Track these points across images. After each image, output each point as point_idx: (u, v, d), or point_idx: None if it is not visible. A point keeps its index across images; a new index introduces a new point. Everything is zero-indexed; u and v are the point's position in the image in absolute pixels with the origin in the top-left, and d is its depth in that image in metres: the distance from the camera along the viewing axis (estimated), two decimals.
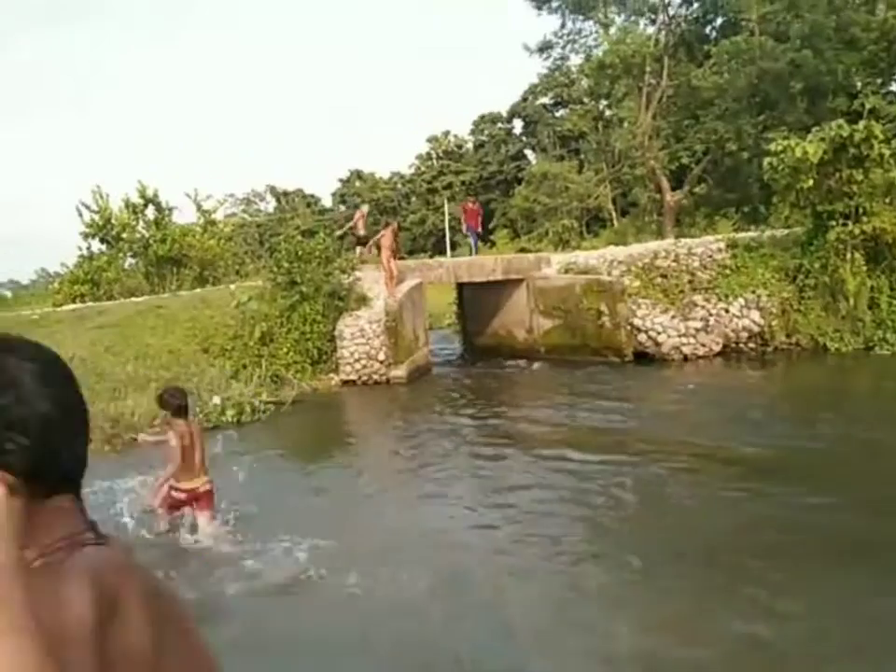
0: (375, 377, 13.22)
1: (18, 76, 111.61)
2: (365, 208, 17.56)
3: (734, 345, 13.63)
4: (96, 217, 21.64)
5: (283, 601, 4.80)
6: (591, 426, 8.90)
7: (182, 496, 5.82)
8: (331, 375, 13.39)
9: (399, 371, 13.19)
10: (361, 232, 16.44)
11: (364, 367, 13.25)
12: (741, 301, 13.68)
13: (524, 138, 60.39)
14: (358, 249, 16.18)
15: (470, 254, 18.54)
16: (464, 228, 19.29)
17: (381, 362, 13.23)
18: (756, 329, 13.55)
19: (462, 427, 9.44)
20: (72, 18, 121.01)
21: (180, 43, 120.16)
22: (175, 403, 5.78)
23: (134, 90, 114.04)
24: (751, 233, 15.81)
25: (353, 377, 13.22)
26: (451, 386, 13.65)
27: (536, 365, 14.57)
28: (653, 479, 6.71)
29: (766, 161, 13.88)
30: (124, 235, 21.47)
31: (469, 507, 6.40)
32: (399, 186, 66.58)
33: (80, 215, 21.70)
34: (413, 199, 62.29)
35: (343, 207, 68.51)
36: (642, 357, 13.60)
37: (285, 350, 13.20)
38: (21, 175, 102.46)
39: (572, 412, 9.78)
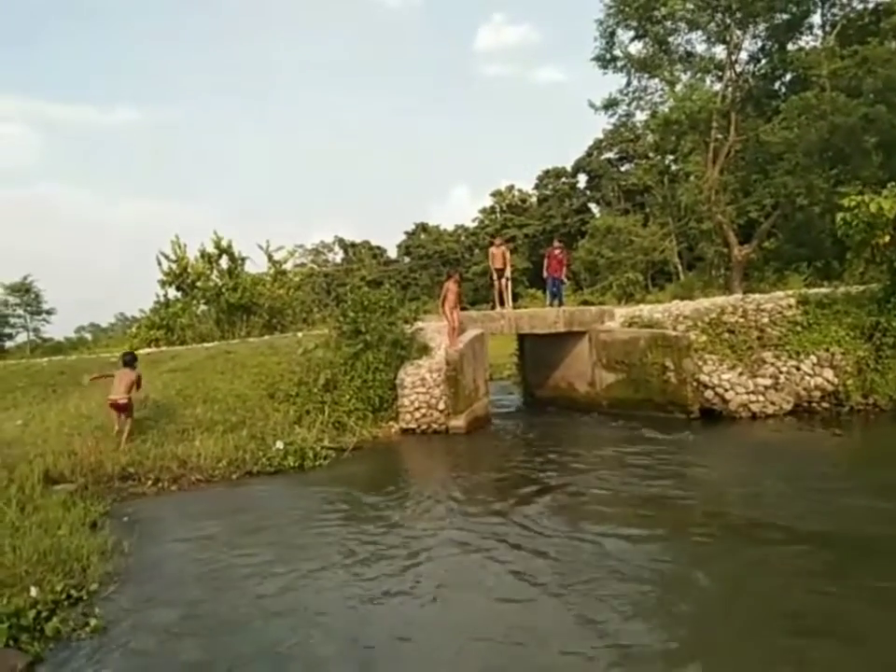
0: (434, 426, 13.24)
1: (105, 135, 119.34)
2: None
3: (805, 404, 13.09)
4: (174, 266, 22.71)
5: None
6: (650, 493, 8.32)
7: None
8: (391, 423, 13.48)
9: (459, 422, 13.19)
10: None
11: (424, 416, 13.30)
12: (813, 358, 13.20)
13: (588, 192, 60.80)
14: None
15: (550, 305, 17.44)
16: (545, 274, 17.69)
17: (440, 412, 13.26)
18: (830, 387, 13.01)
19: (513, 489, 8.98)
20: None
21: (252, 98, 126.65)
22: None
23: (216, 152, 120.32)
24: (824, 289, 15.32)
25: (412, 426, 13.27)
26: (509, 440, 13.52)
27: (598, 419, 14.30)
28: (720, 559, 6.30)
29: (840, 216, 13.54)
30: (199, 283, 22.43)
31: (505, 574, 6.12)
32: (463, 238, 67.60)
33: (160, 263, 22.84)
34: (477, 251, 63.04)
35: (407, 259, 69.94)
36: (709, 414, 13.21)
37: (347, 397, 13.39)
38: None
39: (632, 475, 9.30)
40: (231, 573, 6.42)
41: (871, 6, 23.18)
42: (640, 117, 28.00)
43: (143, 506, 9.12)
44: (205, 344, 18.13)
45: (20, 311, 53.15)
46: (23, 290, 52.17)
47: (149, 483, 10.02)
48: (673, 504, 7.91)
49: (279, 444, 11.14)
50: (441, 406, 13.26)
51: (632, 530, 6.96)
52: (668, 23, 24.53)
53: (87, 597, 5.79)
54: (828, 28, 23.90)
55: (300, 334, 17.03)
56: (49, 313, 54.15)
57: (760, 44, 24.97)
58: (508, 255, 17.48)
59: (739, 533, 6.75)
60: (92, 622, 5.32)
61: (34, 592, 5.47)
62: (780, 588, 5.45)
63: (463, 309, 16.27)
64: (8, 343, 51.38)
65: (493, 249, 17.43)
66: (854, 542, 6.28)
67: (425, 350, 14.37)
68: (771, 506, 7.56)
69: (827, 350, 13.22)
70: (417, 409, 13.32)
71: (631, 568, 5.96)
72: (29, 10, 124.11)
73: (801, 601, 5.21)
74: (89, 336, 58.90)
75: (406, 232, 71.64)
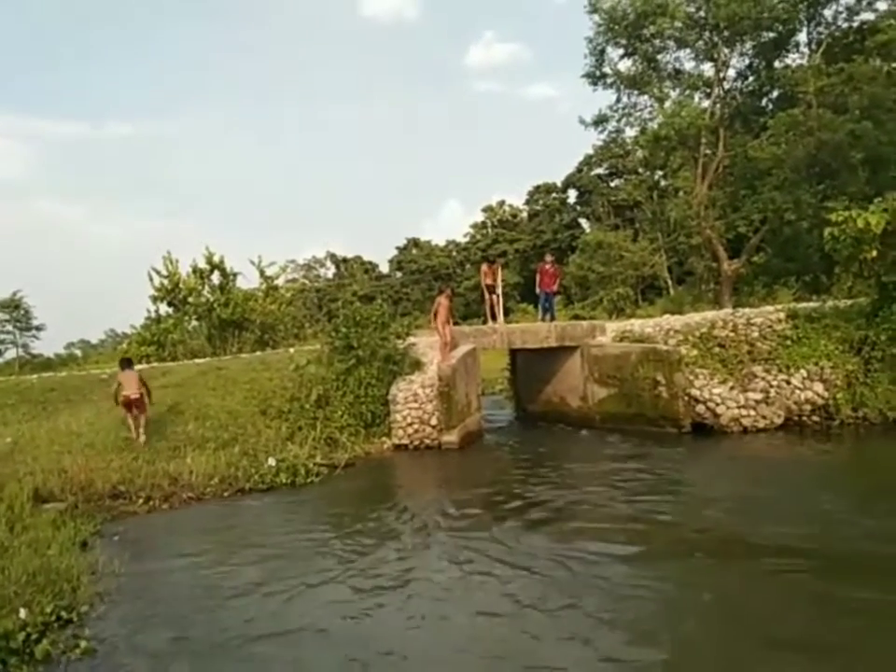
0: (427, 442, 13.22)
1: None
2: None
3: (796, 418, 13.14)
4: (165, 282, 22.67)
5: None
6: (640, 510, 8.22)
7: None
8: (384, 439, 13.45)
9: (451, 437, 13.17)
10: None
11: (416, 431, 13.28)
12: (803, 372, 13.28)
13: (578, 207, 61.15)
14: None
15: (542, 319, 17.51)
16: (537, 290, 17.66)
17: (433, 427, 13.25)
18: (820, 401, 13.08)
19: (505, 505, 8.88)
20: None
21: (243, 113, 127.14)
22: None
23: (208, 168, 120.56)
24: (813, 304, 15.44)
25: (405, 441, 13.24)
26: (501, 455, 13.53)
27: (589, 434, 14.32)
28: (710, 576, 6.29)
29: (827, 231, 13.67)
30: (190, 299, 22.38)
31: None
32: (455, 253, 67.83)
33: (151, 279, 22.79)
34: (468, 266, 63.23)
35: (399, 274, 70.06)
36: (700, 429, 13.25)
37: (339, 413, 13.36)
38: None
39: (623, 491, 9.23)
40: (223, 592, 6.37)
41: (856, 25, 23.60)
42: (630, 133, 28.33)
43: (134, 524, 9.06)
44: (197, 360, 18.07)
45: (9, 327, 52.84)
46: (13, 306, 51.88)
47: (140, 501, 9.95)
48: (662, 521, 7.86)
49: (271, 461, 11.10)
50: (434, 421, 13.25)
51: (621, 548, 6.90)
52: (657, 41, 24.89)
53: (77, 619, 5.73)
54: (814, 46, 24.31)
55: (291, 350, 17.01)
56: (38, 329, 53.86)
57: (747, 61, 25.38)
58: (499, 272, 17.55)
59: (729, 551, 6.67)
60: (83, 643, 5.26)
61: (23, 613, 5.42)
62: (764, 604, 5.41)
63: (455, 324, 16.28)
64: None
65: (484, 267, 17.50)
66: (844, 560, 6.22)
67: (417, 365, 14.37)
68: (760, 523, 7.46)
69: (816, 364, 13.29)
70: (410, 424, 13.30)
71: (618, 586, 5.92)
72: (22, 26, 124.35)
73: (787, 619, 5.18)
74: (79, 352, 58.57)
75: (398, 247, 71.83)
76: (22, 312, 52.62)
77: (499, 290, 17.36)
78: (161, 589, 6.62)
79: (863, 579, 5.77)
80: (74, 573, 6.48)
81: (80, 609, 5.88)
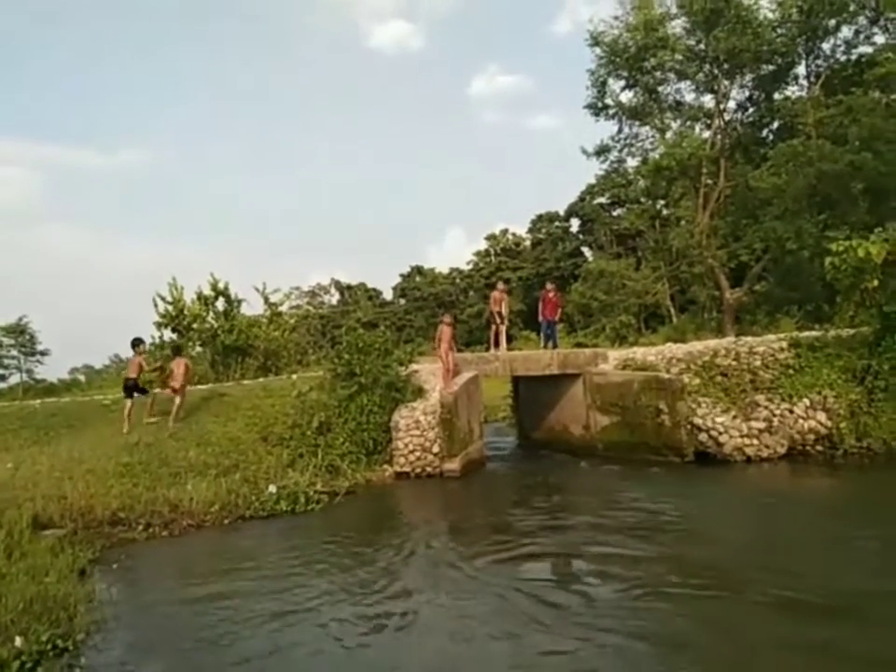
0: (429, 469, 13.16)
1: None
2: None
3: (800, 447, 13.08)
4: (170, 308, 22.72)
5: None
6: (640, 544, 8.05)
7: None
8: (385, 467, 13.39)
9: (453, 465, 13.11)
10: None
11: (418, 459, 13.23)
12: (806, 401, 13.24)
13: (581, 236, 61.49)
14: None
15: (544, 347, 17.46)
16: (540, 318, 17.75)
17: (435, 454, 13.20)
18: (824, 431, 13.03)
19: (503, 536, 8.86)
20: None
21: (250, 141, 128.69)
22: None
23: (214, 195, 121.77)
24: (815, 332, 15.44)
25: (406, 469, 13.19)
26: (504, 484, 13.44)
27: (592, 464, 14.21)
28: (712, 614, 6.16)
29: (828, 260, 13.74)
30: (195, 325, 22.40)
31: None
32: (458, 281, 68.09)
33: (156, 305, 22.85)
34: (471, 293, 63.43)
35: (402, 301, 70.28)
36: (703, 457, 13.17)
37: (341, 440, 13.33)
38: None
39: (623, 524, 9.06)
40: (221, 622, 6.31)
41: (854, 58, 23.92)
42: (632, 163, 28.60)
43: (133, 552, 8.99)
44: (200, 386, 18.06)
45: (14, 352, 52.91)
46: (18, 331, 52.00)
47: (140, 528, 9.89)
48: (662, 556, 7.66)
49: (272, 488, 11.06)
50: (436, 449, 13.20)
51: (619, 583, 6.78)
52: (658, 74, 25.25)
53: (73, 648, 5.67)
54: (813, 78, 24.60)
55: (294, 376, 17.00)
56: (43, 354, 53.87)
57: (747, 93, 25.67)
58: (506, 299, 17.70)
59: (731, 588, 6.50)
60: None
61: (18, 642, 5.37)
62: (753, 649, 5.22)
63: (458, 351, 16.30)
64: (1, 385, 51.00)
65: (495, 294, 17.65)
66: (848, 601, 6.01)
67: (419, 392, 14.37)
68: (760, 563, 7.20)
69: (819, 393, 13.27)
70: (412, 452, 13.26)
71: (614, 622, 5.80)
72: (29, 53, 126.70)
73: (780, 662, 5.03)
74: (82, 377, 58.48)
75: (401, 275, 72.18)
76: (28, 337, 52.71)
77: (505, 316, 17.44)
78: (158, 618, 6.56)
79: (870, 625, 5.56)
80: (71, 601, 6.42)
81: (77, 638, 5.82)
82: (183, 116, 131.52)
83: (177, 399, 13.93)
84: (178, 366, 14.24)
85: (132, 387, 14.02)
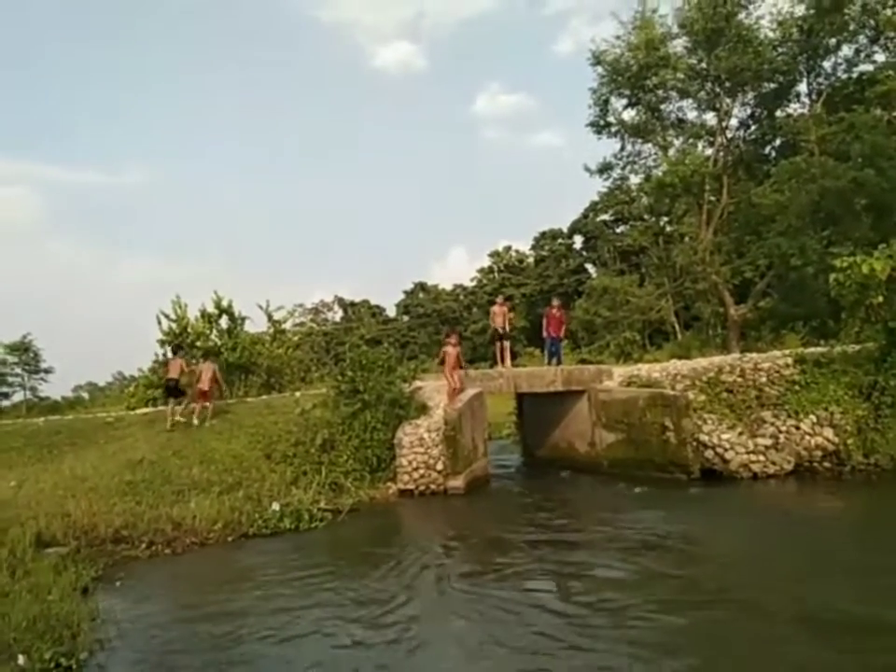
0: (433, 487, 13.08)
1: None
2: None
3: (807, 464, 12.97)
4: (174, 326, 22.76)
5: None
6: (644, 563, 7.93)
7: None
8: (389, 484, 13.31)
9: (457, 482, 13.04)
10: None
11: (422, 476, 13.15)
12: (812, 417, 13.16)
13: (584, 253, 61.62)
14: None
15: (549, 364, 17.14)
16: (544, 334, 17.51)
17: (439, 472, 13.12)
18: (830, 447, 12.93)
19: (507, 554, 8.81)
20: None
21: (255, 159, 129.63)
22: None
23: (218, 212, 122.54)
24: (821, 349, 15.38)
25: (410, 486, 13.10)
26: (508, 502, 13.32)
27: (597, 481, 14.10)
28: (716, 634, 6.03)
29: (832, 276, 13.73)
30: (198, 343, 22.43)
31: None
32: (462, 297, 68.21)
33: (159, 322, 22.89)
34: (475, 310, 63.49)
35: (406, 317, 70.38)
36: (710, 475, 13.07)
37: (344, 458, 13.27)
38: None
39: (628, 542, 8.96)
40: (224, 639, 6.26)
41: (855, 76, 24.09)
42: (635, 180, 28.75)
43: (136, 570, 8.95)
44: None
45: (17, 369, 53.02)
46: (22, 349, 52.15)
47: (143, 546, 9.85)
48: (666, 575, 7.54)
49: (275, 506, 11.01)
50: (440, 466, 13.13)
51: (622, 601, 6.70)
52: (660, 92, 25.44)
53: (76, 666, 5.63)
54: (814, 96, 24.78)
55: (297, 394, 16.98)
56: (47, 371, 54.00)
57: (749, 111, 25.84)
58: (507, 313, 17.63)
59: (734, 608, 6.38)
60: None
61: (21, 660, 5.34)
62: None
63: (463, 368, 16.24)
64: (4, 403, 51.04)
65: (494, 308, 17.58)
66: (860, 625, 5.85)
67: (423, 409, 14.33)
68: (768, 585, 7.02)
69: (826, 409, 13.18)
70: (415, 469, 13.19)
71: (615, 641, 5.74)
72: (37, 77, 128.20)
73: None
74: (86, 395, 58.66)
75: (405, 291, 72.38)
76: (32, 354, 52.86)
77: (507, 331, 17.38)
78: (161, 636, 6.50)
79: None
80: (74, 619, 6.39)
81: (80, 657, 5.78)
82: (187, 136, 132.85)
83: (206, 403, 15.03)
84: (207, 370, 15.31)
85: (173, 388, 15.14)
